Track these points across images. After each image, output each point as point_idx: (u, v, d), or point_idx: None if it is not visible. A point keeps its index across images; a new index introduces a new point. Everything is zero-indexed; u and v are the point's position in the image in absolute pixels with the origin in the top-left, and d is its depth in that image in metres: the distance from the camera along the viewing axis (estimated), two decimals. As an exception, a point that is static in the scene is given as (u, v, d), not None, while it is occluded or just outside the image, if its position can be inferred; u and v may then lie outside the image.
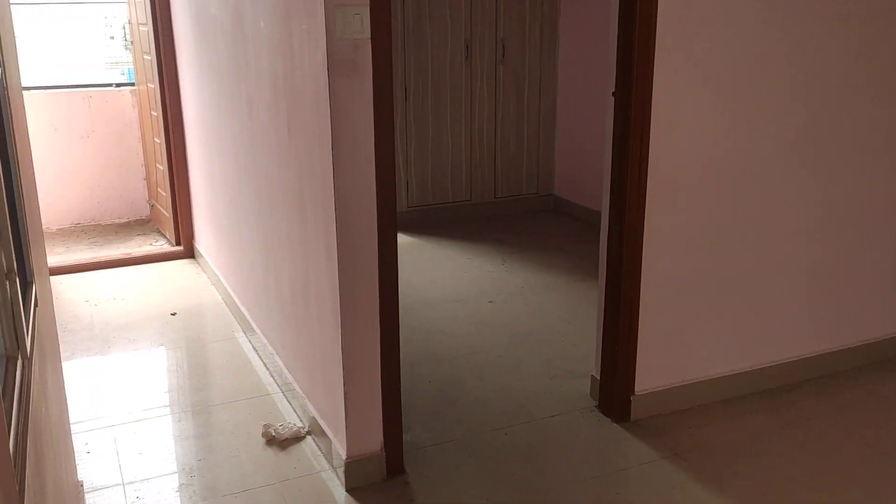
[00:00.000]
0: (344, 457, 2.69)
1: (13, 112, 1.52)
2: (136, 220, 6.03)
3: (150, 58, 5.02)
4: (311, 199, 2.70)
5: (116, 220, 6.01)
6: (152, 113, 5.23)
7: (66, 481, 2.16)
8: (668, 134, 2.89)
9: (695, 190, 3.00)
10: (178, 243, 5.25)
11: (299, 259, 2.96)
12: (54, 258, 5.12)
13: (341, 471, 2.71)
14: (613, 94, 2.92)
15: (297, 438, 3.02)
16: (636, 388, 3.13)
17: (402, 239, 5.54)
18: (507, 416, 3.17)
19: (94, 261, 5.05)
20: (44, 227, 5.68)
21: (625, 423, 3.10)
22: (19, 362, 1.24)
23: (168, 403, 3.31)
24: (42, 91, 5.63)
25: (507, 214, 6.14)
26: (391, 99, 2.48)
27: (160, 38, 4.85)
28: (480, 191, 6.09)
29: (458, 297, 4.47)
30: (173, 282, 4.78)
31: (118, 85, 5.96)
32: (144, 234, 5.75)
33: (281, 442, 2.99)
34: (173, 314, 4.25)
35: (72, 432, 3.04)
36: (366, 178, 2.48)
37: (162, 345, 3.90)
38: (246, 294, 3.95)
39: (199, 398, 3.36)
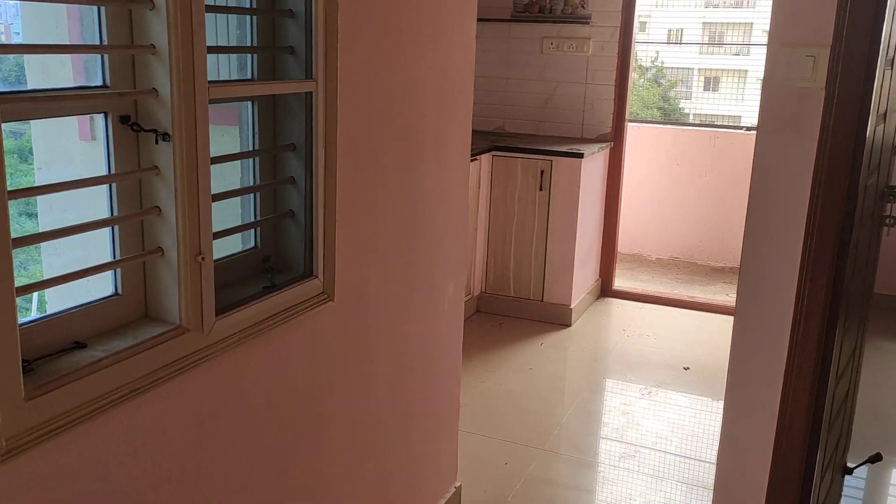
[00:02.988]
0: None
1: (329, 124, 1.69)
2: (731, 268, 5.82)
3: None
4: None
5: (711, 263, 5.91)
6: (758, 160, 4.95)
7: (422, 478, 2.31)
8: None
9: None
10: (744, 300, 4.89)
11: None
12: (632, 283, 5.34)
13: None
14: None
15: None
16: None
17: None
18: None
19: (658, 294, 5.09)
20: (644, 254, 6.01)
21: None
22: (190, 334, 1.41)
23: (595, 452, 3.18)
24: (671, 127, 5.87)
25: None
26: (848, 169, 1.84)
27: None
28: None
29: None
30: (714, 337, 4.48)
31: (748, 129, 5.79)
32: (730, 283, 5.51)
33: (669, 543, 2.58)
34: (686, 368, 4.01)
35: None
36: (784, 258, 1.91)
37: (649, 396, 3.73)
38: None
39: (627, 462, 3.12)
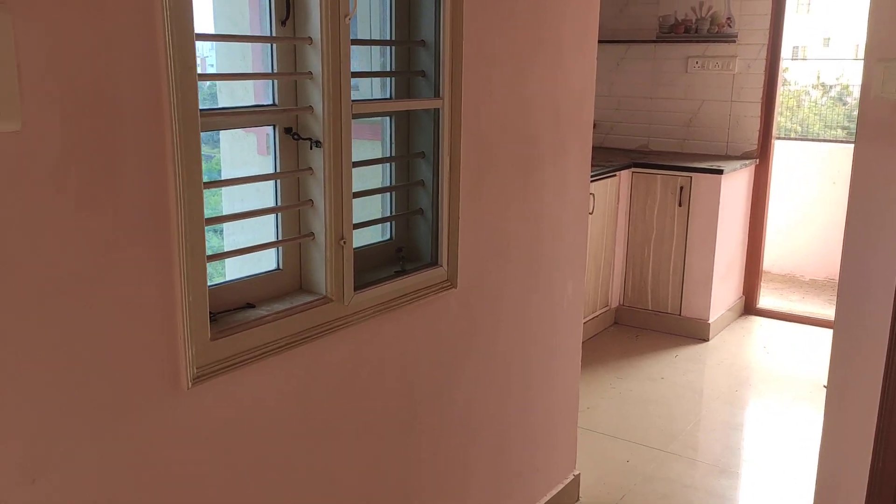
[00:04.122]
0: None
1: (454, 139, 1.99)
2: (891, 291, 5.57)
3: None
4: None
5: (870, 285, 5.68)
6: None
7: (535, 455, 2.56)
8: None
9: None
10: (900, 322, 4.70)
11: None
12: (780, 302, 5.27)
13: None
14: None
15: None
16: None
17: None
18: None
19: (806, 315, 5.00)
20: (796, 275, 5.88)
21: None
22: (333, 304, 1.75)
23: (716, 457, 3.26)
24: (827, 144, 5.73)
25: None
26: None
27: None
28: None
29: None
30: (864, 358, 4.37)
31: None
32: (888, 306, 5.29)
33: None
34: (825, 386, 3.95)
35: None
36: (883, 266, 2.00)
37: (781, 410, 3.73)
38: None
39: (748, 467, 3.18)
